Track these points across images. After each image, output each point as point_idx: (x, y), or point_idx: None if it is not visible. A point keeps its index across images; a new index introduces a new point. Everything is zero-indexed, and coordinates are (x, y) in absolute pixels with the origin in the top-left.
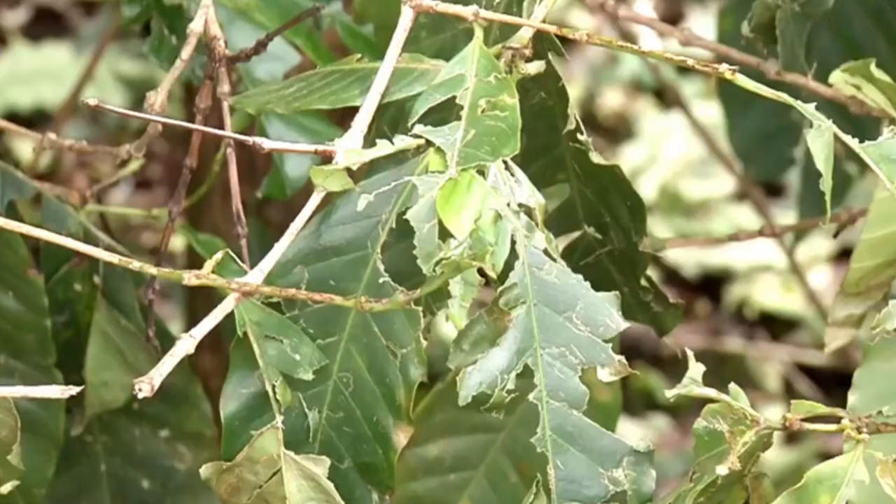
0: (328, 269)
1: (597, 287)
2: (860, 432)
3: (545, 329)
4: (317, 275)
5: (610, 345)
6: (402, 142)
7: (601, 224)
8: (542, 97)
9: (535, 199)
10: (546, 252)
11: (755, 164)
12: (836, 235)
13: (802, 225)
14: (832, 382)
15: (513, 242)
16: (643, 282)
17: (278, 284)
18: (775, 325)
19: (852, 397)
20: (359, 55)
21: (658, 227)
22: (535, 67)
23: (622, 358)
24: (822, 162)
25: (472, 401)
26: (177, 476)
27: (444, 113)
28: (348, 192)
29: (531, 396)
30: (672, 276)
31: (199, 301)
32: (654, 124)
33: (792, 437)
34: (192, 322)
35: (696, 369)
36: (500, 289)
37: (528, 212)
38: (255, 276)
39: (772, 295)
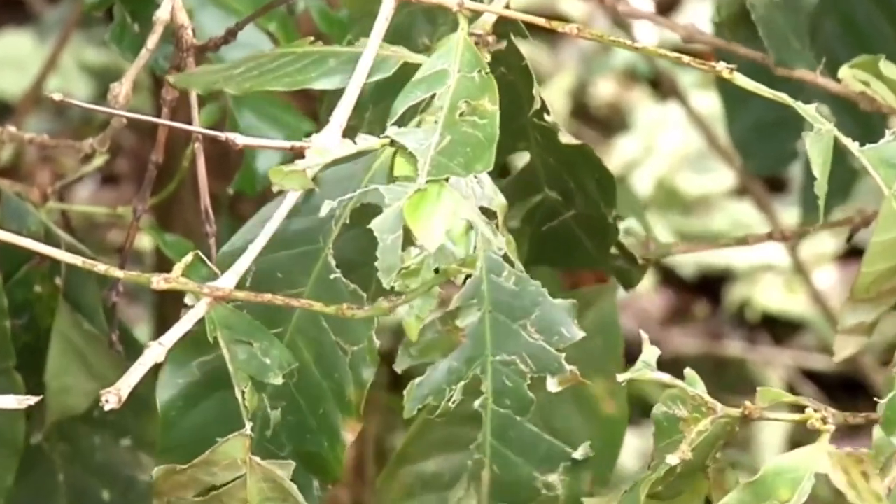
0: (276, 262)
1: (562, 248)
2: (825, 423)
3: (498, 337)
4: (265, 267)
5: (563, 354)
6: (365, 142)
7: (565, 190)
8: (503, 72)
9: (496, 200)
10: (506, 257)
11: (756, 157)
12: (849, 239)
13: (813, 227)
14: (839, 388)
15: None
16: (613, 250)
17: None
18: (778, 328)
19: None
20: (311, 38)
21: (654, 224)
22: (495, 47)
23: (574, 368)
24: (819, 167)
25: (418, 411)
26: (138, 486)
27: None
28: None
29: (476, 403)
30: (668, 275)
31: (168, 303)
32: (650, 115)
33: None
34: (160, 325)
35: (650, 352)
36: (457, 296)
37: (489, 214)
38: (228, 280)
39: (774, 296)
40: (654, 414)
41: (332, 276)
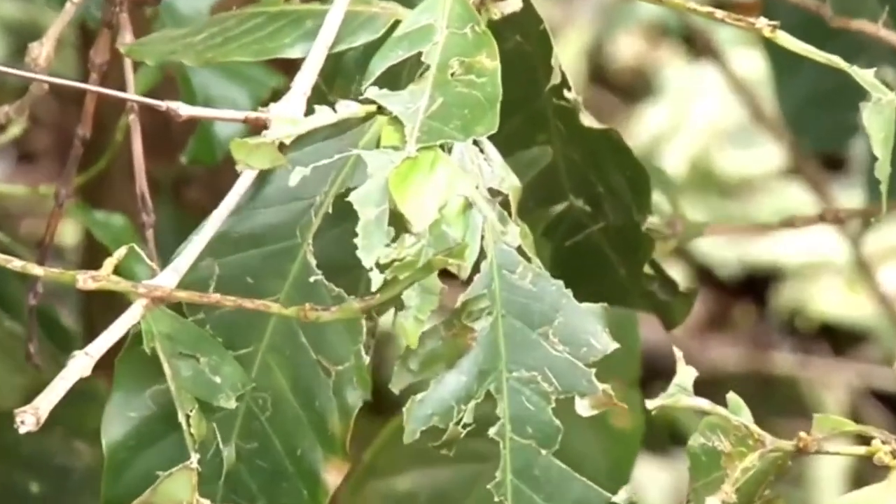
0: (245, 263)
1: (588, 271)
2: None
3: (514, 347)
4: (231, 270)
5: (593, 370)
6: (346, 109)
7: (592, 196)
8: (518, 41)
9: (508, 181)
10: (520, 250)
11: (810, 131)
12: None
13: (872, 209)
14: None
15: (481, 238)
16: (647, 268)
17: (182, 281)
18: (837, 338)
19: None
20: None
21: (687, 210)
22: (511, 6)
23: (607, 387)
24: (880, 144)
25: (421, 436)
26: (73, 475)
27: (398, 75)
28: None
29: (492, 431)
30: (705, 273)
31: (96, 303)
32: (681, 79)
33: None
34: (89, 328)
35: (685, 374)
36: (463, 296)
37: (501, 199)
38: (168, 278)
39: (833, 299)
40: (691, 446)
41: (312, 279)
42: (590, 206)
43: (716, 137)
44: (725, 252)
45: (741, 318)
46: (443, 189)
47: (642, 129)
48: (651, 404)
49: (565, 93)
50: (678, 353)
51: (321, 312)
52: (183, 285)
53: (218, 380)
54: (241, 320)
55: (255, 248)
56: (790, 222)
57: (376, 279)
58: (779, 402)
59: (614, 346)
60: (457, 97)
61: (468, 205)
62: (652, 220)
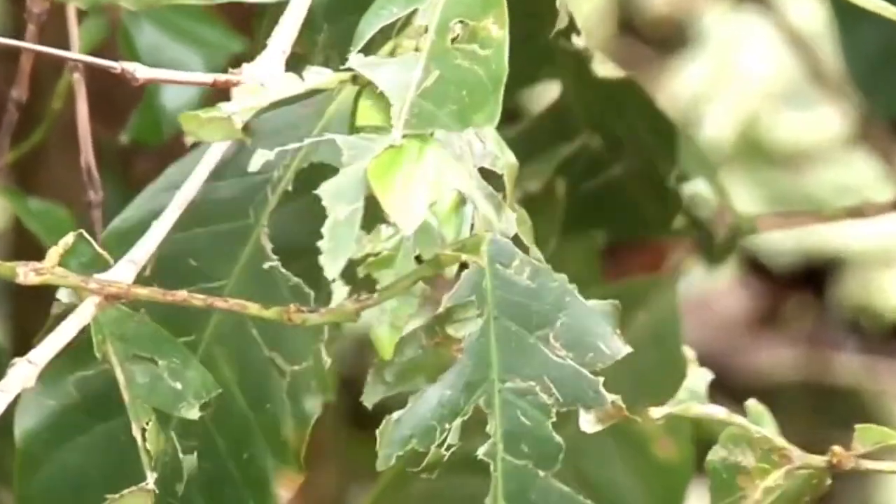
0: (189, 244)
1: (611, 215)
2: None
3: (508, 354)
4: (171, 250)
5: (601, 379)
6: (317, 77)
7: (611, 134)
8: None
9: (503, 159)
10: (517, 241)
11: (880, 92)
12: None
13: None
14: None
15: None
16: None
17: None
18: None
19: None
20: None
21: (733, 183)
22: None
23: (617, 398)
24: None
25: (396, 460)
26: None
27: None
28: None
29: (481, 451)
30: (754, 263)
31: (22, 302)
32: (724, 29)
33: None
34: (18, 331)
35: (697, 377)
36: (447, 298)
37: (491, 180)
38: (124, 272)
39: None
40: (710, 461)
41: (266, 265)
42: (608, 144)
43: (766, 99)
44: (778, 236)
45: (796, 315)
46: (433, 184)
47: (677, 87)
48: (656, 413)
49: (573, 39)
50: (689, 353)
51: (308, 315)
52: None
53: (179, 386)
54: (181, 307)
55: (201, 227)
56: (858, 211)
57: (339, 293)
58: (840, 413)
59: (626, 350)
60: (455, 72)
61: (462, 200)
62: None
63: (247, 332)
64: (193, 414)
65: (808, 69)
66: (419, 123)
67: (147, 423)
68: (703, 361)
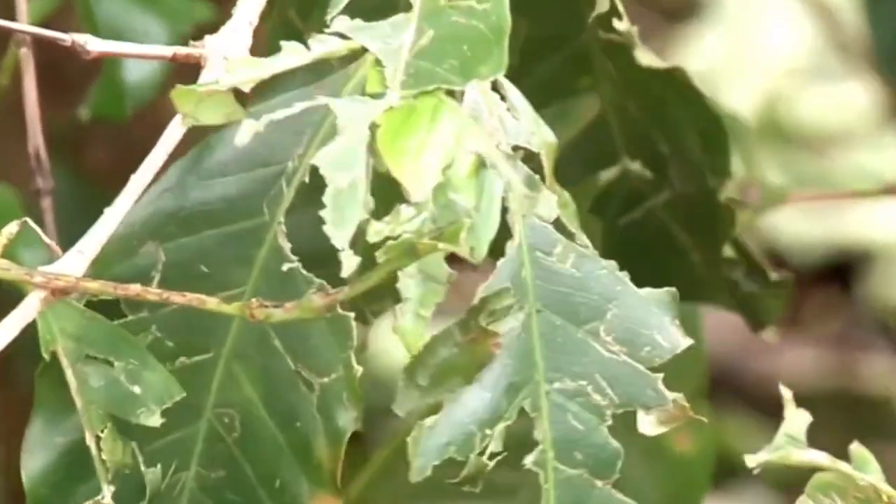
0: (198, 248)
1: (650, 258)
2: None
3: (554, 351)
4: (179, 256)
5: (660, 375)
6: (323, 46)
7: (654, 157)
8: None
9: (539, 136)
10: (558, 224)
11: None
12: None
13: None
14: None
15: (504, 210)
16: (727, 249)
17: (114, 272)
18: None
19: None
20: None
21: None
22: None
23: (680, 396)
24: None
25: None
26: None
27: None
28: (233, 125)
29: (529, 460)
30: (777, 258)
31: None
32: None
33: None
34: None
35: (797, 419)
36: (482, 289)
37: (530, 158)
38: (73, 263)
39: None
40: None
41: (285, 267)
42: (651, 171)
43: (787, 75)
44: (801, 227)
45: (821, 314)
46: (448, 144)
47: (690, 61)
48: (752, 461)
49: (615, 23)
50: (786, 393)
51: (272, 310)
52: (118, 277)
53: (137, 390)
54: (196, 319)
55: (212, 229)
56: (893, 189)
57: (348, 263)
58: (871, 422)
59: (687, 342)
60: (452, 30)
61: (482, 163)
62: (730, 194)
63: (269, 343)
64: (154, 421)
65: (832, 42)
66: (417, 82)
67: (102, 431)
68: (719, 366)
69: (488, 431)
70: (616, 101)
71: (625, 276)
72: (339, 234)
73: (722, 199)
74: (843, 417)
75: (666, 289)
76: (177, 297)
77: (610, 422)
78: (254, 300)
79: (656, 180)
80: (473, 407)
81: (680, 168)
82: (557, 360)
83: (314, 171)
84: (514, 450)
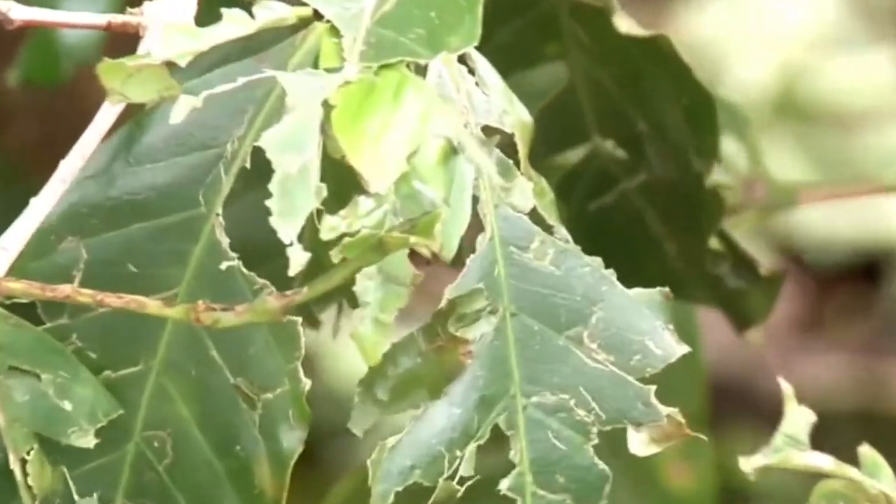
0: (125, 244)
1: (621, 249)
2: None
3: (532, 360)
4: (103, 253)
5: (652, 387)
6: (268, 12)
7: (629, 135)
8: None
9: (513, 114)
10: (535, 216)
11: None
12: None
13: None
14: None
15: (473, 200)
16: (712, 240)
17: (29, 272)
18: None
19: None
20: None
21: (770, 149)
22: None
23: (674, 411)
24: None
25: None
26: None
27: None
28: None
29: (504, 485)
30: (795, 256)
31: None
32: None
33: None
34: None
35: (797, 417)
36: (450, 290)
37: (502, 142)
38: None
39: None
40: None
41: (223, 266)
42: (625, 151)
43: (807, 45)
44: (823, 220)
45: (845, 319)
46: (414, 128)
47: (693, 32)
48: (747, 465)
49: None
50: (787, 388)
51: (221, 313)
52: (34, 277)
53: (68, 406)
54: (123, 327)
55: (140, 222)
56: None
57: (297, 259)
58: None
59: (683, 349)
60: None
61: (452, 150)
62: (719, 178)
63: (205, 354)
64: (86, 442)
65: (857, 7)
66: (378, 54)
67: (28, 453)
68: (732, 378)
69: (458, 452)
70: (587, 72)
71: (611, 274)
72: (286, 226)
73: (708, 185)
74: (870, 437)
75: (658, 289)
76: (112, 300)
77: (595, 440)
78: (200, 303)
79: (631, 161)
80: (441, 424)
81: (659, 148)
82: (535, 371)
83: (258, 154)
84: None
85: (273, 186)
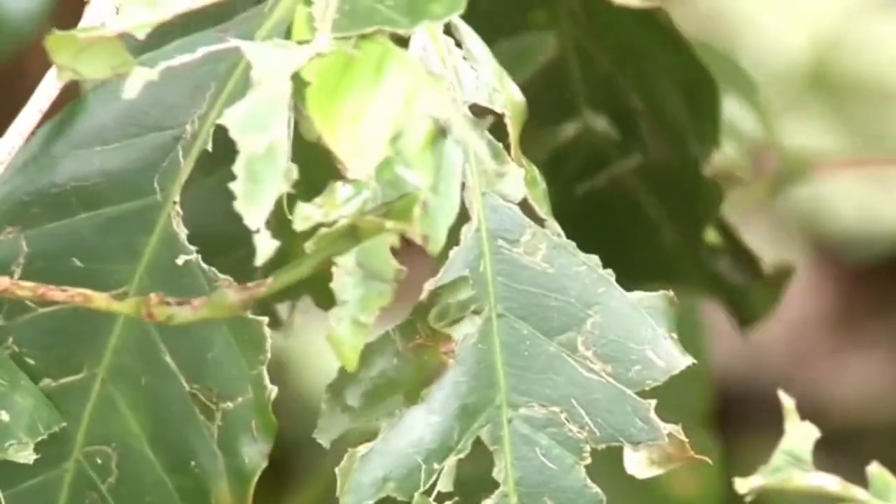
0: (70, 236)
1: (612, 237)
2: None
3: (519, 367)
4: (46, 246)
5: (652, 402)
6: None
7: (623, 113)
8: None
9: (504, 93)
10: (526, 207)
11: None
12: None
13: None
14: None
15: (461, 187)
16: (712, 233)
17: None
18: None
19: None
20: None
21: (803, 123)
22: None
23: (677, 429)
24: None
25: None
26: None
27: None
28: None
29: None
30: (827, 252)
31: None
32: None
33: None
34: None
35: (799, 433)
36: (430, 284)
37: (492, 123)
38: None
39: None
40: None
41: (180, 260)
42: (618, 129)
43: (844, 12)
44: (856, 207)
45: (880, 315)
46: (397, 107)
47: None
48: (743, 486)
49: None
50: (786, 401)
51: (175, 308)
52: None
53: (5, 417)
54: (65, 329)
55: (87, 211)
56: None
57: (264, 248)
58: None
59: (687, 361)
60: None
61: (440, 132)
62: (730, 150)
63: (158, 359)
64: (25, 457)
65: None
66: (352, 23)
67: None
68: (753, 384)
69: (436, 465)
70: (578, 42)
71: (609, 274)
72: (252, 211)
73: (705, 172)
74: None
75: (661, 292)
76: (55, 293)
77: (588, 460)
78: (153, 295)
79: (624, 141)
80: (418, 433)
81: (655, 128)
82: (523, 379)
83: (220, 135)
84: (469, 492)
85: (237, 168)
